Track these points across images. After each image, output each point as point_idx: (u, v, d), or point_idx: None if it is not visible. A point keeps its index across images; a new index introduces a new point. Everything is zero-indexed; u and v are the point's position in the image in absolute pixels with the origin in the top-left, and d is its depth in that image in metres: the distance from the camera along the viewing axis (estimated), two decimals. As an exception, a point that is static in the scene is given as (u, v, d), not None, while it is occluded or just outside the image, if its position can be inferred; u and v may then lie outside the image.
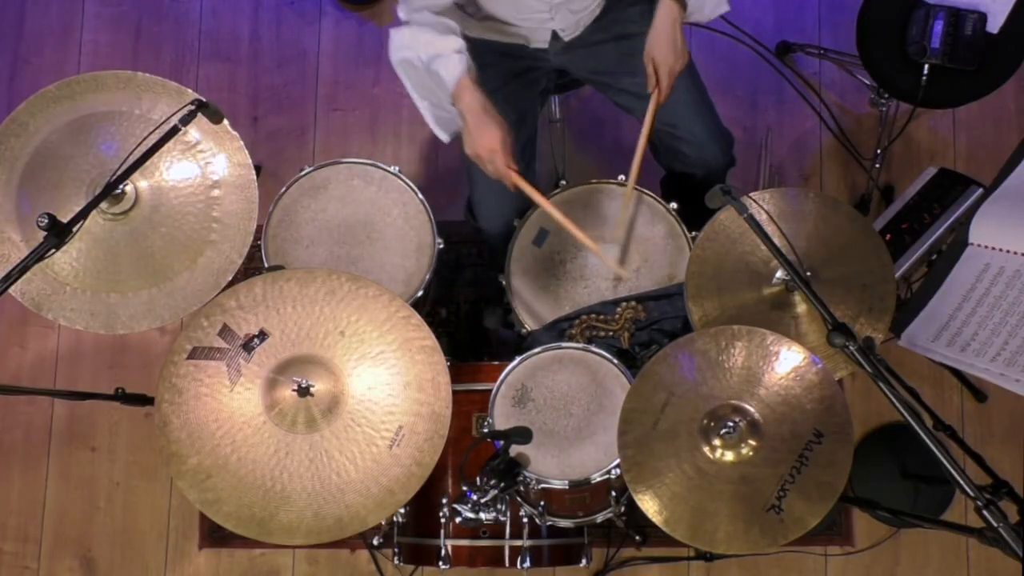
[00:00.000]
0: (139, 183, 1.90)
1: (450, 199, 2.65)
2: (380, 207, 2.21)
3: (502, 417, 1.96)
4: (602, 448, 1.93)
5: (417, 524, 2.12)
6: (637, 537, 2.51)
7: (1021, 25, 2.24)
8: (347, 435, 1.71)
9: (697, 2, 1.97)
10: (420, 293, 2.16)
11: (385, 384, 1.72)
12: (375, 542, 2.44)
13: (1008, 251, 1.77)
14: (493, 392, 1.97)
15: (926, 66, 2.21)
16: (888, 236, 2.21)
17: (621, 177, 2.18)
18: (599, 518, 2.06)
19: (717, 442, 1.68)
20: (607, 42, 2.13)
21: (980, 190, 2.18)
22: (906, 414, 1.45)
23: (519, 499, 2.00)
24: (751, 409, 1.69)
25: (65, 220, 1.66)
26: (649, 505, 1.67)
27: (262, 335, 1.74)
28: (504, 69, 2.11)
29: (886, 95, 2.54)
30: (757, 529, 1.64)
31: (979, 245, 1.81)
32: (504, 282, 2.17)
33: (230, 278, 1.91)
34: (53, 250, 1.64)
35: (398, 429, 1.70)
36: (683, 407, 1.70)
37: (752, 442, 1.67)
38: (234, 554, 2.69)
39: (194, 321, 1.76)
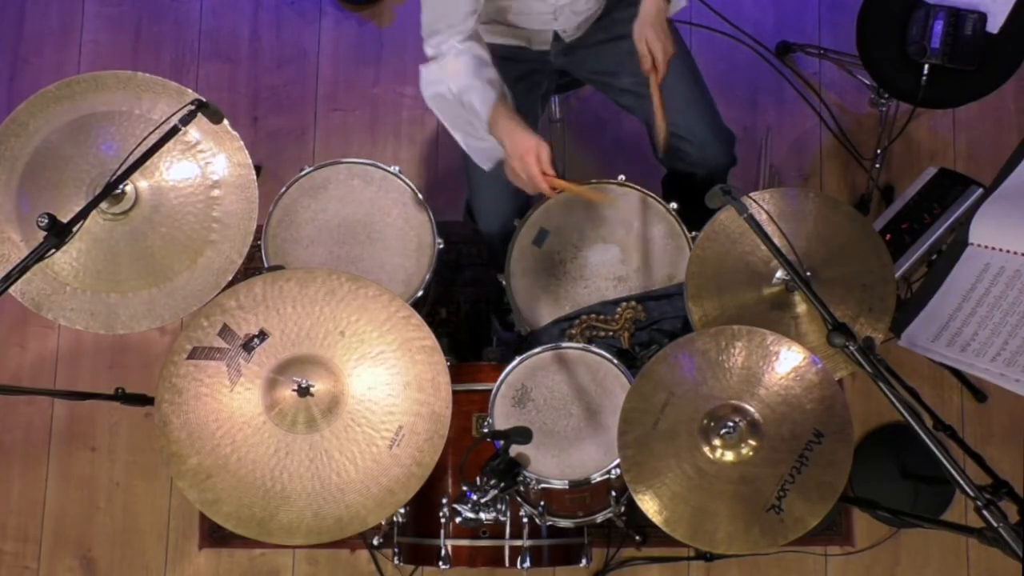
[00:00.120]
0: (139, 183, 1.90)
1: (450, 199, 2.65)
2: (380, 207, 2.21)
3: (502, 417, 1.96)
4: (602, 448, 1.93)
5: (417, 524, 2.12)
6: (637, 537, 2.51)
7: (1021, 25, 2.24)
8: (347, 435, 1.71)
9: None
10: (420, 293, 2.16)
11: (385, 384, 1.72)
12: (375, 542, 2.44)
13: (1008, 251, 1.77)
14: (493, 392, 1.97)
15: (926, 66, 2.22)
16: (888, 236, 2.21)
17: (621, 177, 2.18)
18: (599, 518, 2.06)
19: (717, 442, 1.68)
20: (608, 42, 2.13)
21: (980, 190, 2.18)
22: (906, 414, 1.45)
23: (519, 499, 2.00)
24: (751, 409, 1.69)
25: (65, 220, 1.66)
26: (649, 505, 1.67)
27: (262, 335, 1.74)
28: (506, 74, 2.11)
29: (886, 95, 2.54)
30: (757, 529, 1.64)
31: (979, 245, 1.81)
32: (504, 282, 2.17)
33: (230, 278, 1.91)
34: (53, 250, 1.64)
35: (398, 429, 1.70)
36: (683, 407, 1.70)
37: (752, 442, 1.67)
38: (234, 554, 2.69)
39: (194, 321, 1.76)
